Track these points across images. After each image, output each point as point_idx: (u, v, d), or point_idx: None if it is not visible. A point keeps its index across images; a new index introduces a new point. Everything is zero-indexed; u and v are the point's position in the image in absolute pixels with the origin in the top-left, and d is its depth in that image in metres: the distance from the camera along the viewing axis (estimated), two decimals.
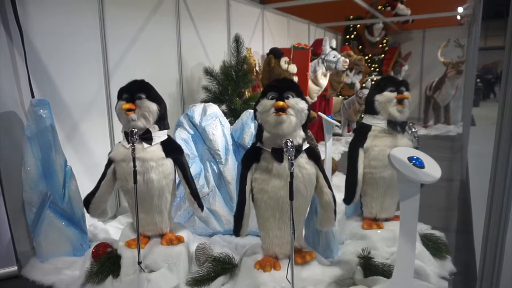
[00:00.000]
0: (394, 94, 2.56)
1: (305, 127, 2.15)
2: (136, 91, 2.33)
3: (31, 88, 2.72)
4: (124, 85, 2.40)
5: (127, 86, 2.38)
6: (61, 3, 2.99)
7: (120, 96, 2.37)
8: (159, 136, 2.42)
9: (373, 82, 7.96)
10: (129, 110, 2.27)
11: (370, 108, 2.69)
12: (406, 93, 2.57)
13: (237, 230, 2.18)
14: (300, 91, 2.08)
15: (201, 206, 2.53)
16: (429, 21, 9.00)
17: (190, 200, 2.50)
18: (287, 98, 2.01)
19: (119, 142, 2.46)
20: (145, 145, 2.34)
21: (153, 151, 2.35)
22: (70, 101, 3.12)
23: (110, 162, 2.42)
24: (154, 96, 2.40)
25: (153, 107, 2.35)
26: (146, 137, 2.35)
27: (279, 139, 2.00)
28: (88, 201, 2.46)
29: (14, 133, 2.74)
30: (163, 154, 2.38)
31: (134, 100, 2.31)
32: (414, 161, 1.74)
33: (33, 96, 2.72)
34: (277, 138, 2.02)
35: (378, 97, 2.62)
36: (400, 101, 2.55)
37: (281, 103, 1.95)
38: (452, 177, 4.67)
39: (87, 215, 2.88)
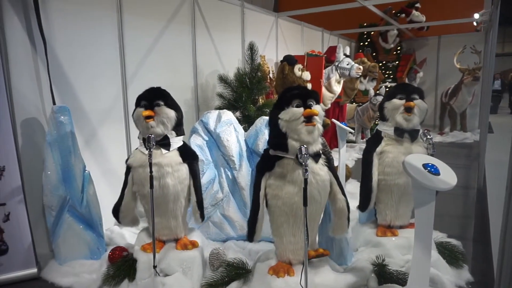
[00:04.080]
0: (402, 101, 2.56)
1: None
2: (154, 98, 2.40)
3: (52, 95, 2.82)
4: (142, 93, 2.46)
5: (145, 94, 2.44)
6: (82, 15, 3.11)
7: (138, 103, 2.43)
8: (176, 142, 2.48)
9: (387, 89, 7.93)
10: (149, 117, 2.33)
11: (381, 115, 2.72)
12: (416, 101, 2.55)
13: (250, 235, 2.20)
14: (318, 98, 2.16)
15: (202, 217, 2.56)
16: (445, 28, 8.92)
17: (194, 208, 2.54)
18: (310, 106, 2.06)
19: (137, 148, 2.51)
20: (163, 151, 2.40)
21: (170, 157, 2.41)
22: (89, 107, 3.22)
23: (129, 168, 2.48)
24: (171, 103, 2.47)
25: (171, 113, 2.42)
26: (164, 143, 2.41)
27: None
28: (116, 211, 2.52)
29: (36, 139, 2.84)
30: (180, 159, 2.44)
31: (153, 107, 2.37)
32: (429, 168, 1.74)
33: (54, 103, 2.82)
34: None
35: (386, 104, 2.65)
36: (407, 109, 2.54)
37: (315, 111, 2.02)
38: (469, 185, 4.58)
39: (104, 219, 2.97)
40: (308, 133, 2.03)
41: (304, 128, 2.02)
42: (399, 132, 2.57)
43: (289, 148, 2.08)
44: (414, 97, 2.57)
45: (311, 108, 2.04)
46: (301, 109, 2.04)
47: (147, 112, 2.33)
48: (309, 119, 2.03)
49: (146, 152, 2.30)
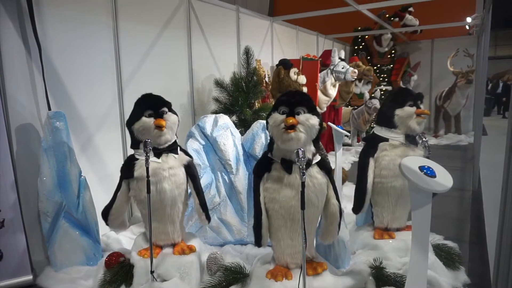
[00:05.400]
0: (414, 108, 2.58)
1: (317, 141, 2.14)
2: (159, 106, 2.40)
3: (47, 101, 2.80)
4: (146, 102, 2.42)
5: (149, 103, 2.40)
6: (77, 20, 3.10)
7: (141, 113, 2.37)
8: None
9: (382, 92, 7.98)
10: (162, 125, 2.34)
11: (387, 122, 2.65)
12: (421, 107, 2.61)
13: (258, 240, 2.18)
14: (312, 106, 2.06)
15: (208, 218, 2.57)
16: (438, 31, 9.02)
17: (198, 211, 2.54)
18: (298, 113, 2.00)
19: (137, 158, 2.43)
20: (175, 156, 2.44)
21: (173, 160, 2.43)
22: (85, 113, 3.20)
23: (124, 174, 2.46)
24: (170, 108, 2.49)
25: (175, 118, 2.47)
26: (174, 147, 2.44)
27: (288, 152, 2.02)
28: (106, 213, 2.50)
29: (31, 145, 2.82)
30: (183, 161, 2.47)
31: (161, 115, 2.38)
32: (425, 170, 1.75)
33: (49, 108, 2.80)
34: (286, 151, 2.04)
35: (399, 112, 2.60)
36: (420, 114, 2.58)
37: (290, 120, 1.93)
38: (464, 187, 4.61)
39: (100, 225, 2.95)
40: (284, 140, 1.97)
41: (282, 135, 1.97)
42: (411, 138, 2.58)
43: (274, 153, 2.10)
44: (418, 103, 2.61)
45: (296, 116, 1.97)
46: (284, 116, 1.99)
47: (163, 121, 2.33)
48: (289, 127, 1.95)
49: (159, 160, 2.33)
